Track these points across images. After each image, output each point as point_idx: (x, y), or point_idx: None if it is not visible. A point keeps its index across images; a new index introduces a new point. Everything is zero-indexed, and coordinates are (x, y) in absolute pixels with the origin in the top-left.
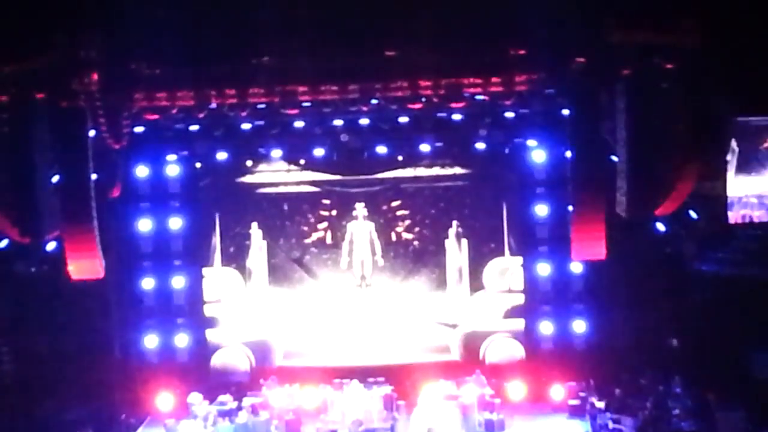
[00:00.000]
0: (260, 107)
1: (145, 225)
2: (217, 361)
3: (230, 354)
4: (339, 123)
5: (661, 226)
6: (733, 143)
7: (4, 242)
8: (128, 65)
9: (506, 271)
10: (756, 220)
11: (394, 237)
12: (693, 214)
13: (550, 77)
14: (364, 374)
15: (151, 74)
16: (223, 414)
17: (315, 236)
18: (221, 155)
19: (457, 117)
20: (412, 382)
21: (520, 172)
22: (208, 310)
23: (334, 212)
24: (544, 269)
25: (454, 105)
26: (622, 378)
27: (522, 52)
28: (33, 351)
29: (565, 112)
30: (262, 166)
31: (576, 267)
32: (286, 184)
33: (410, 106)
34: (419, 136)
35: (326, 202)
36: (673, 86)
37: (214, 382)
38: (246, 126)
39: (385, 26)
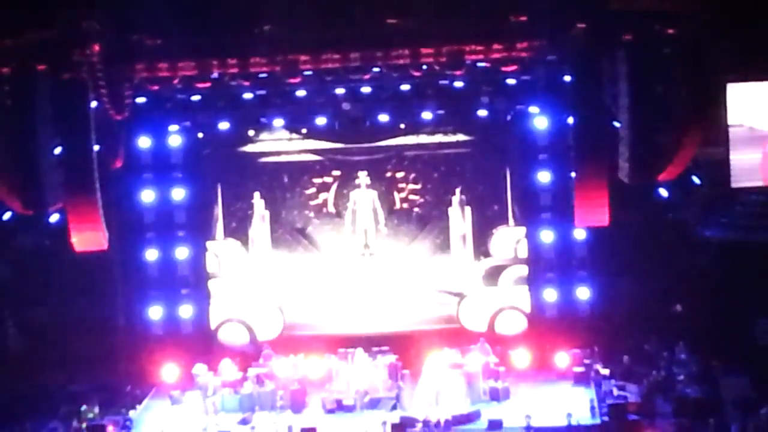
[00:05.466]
0: (262, 76)
1: (147, 196)
2: (221, 332)
3: (234, 325)
4: (341, 91)
5: (664, 192)
6: None
7: (8, 215)
8: (129, 36)
9: (514, 240)
10: None
11: (397, 205)
12: (696, 180)
13: (551, 44)
14: (369, 343)
15: (152, 45)
16: (227, 385)
17: (318, 205)
18: (223, 125)
19: (458, 84)
20: (417, 350)
21: (523, 139)
22: (212, 281)
23: (336, 181)
24: (547, 236)
25: (455, 72)
26: (626, 345)
27: (523, 18)
28: (37, 323)
29: (567, 78)
30: (264, 136)
31: (579, 234)
32: (288, 153)
33: (412, 73)
34: (421, 103)
35: (328, 170)
36: (674, 52)
37: (219, 353)
38: (248, 95)
39: None
